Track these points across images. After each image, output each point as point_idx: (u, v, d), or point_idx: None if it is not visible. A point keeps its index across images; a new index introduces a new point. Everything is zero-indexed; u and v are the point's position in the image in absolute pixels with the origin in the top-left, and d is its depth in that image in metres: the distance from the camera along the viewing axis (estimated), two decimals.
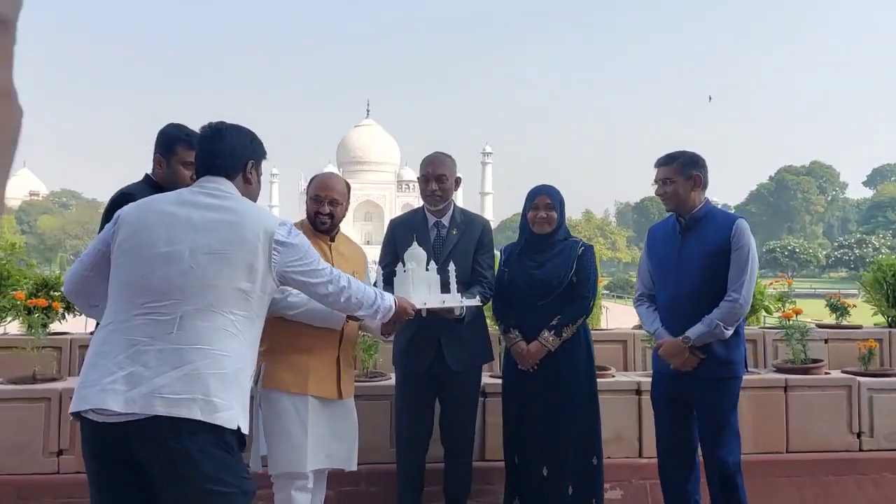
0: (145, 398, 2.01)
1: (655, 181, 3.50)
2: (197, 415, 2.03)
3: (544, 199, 3.63)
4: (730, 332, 3.32)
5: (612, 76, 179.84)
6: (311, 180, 3.39)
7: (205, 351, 2.09)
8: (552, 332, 3.50)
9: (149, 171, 3.20)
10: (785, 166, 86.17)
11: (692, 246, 3.39)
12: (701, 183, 3.42)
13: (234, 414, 2.10)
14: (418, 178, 3.78)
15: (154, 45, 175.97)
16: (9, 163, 0.84)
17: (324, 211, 3.23)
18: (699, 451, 3.50)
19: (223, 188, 2.32)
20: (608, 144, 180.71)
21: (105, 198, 2.46)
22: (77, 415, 2.11)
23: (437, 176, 3.66)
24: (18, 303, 4.57)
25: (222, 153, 2.37)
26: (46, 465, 3.81)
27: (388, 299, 2.69)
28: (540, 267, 3.62)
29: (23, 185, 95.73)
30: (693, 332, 3.29)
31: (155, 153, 3.16)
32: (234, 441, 2.14)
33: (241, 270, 2.19)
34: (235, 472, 2.15)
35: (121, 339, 2.10)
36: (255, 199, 2.49)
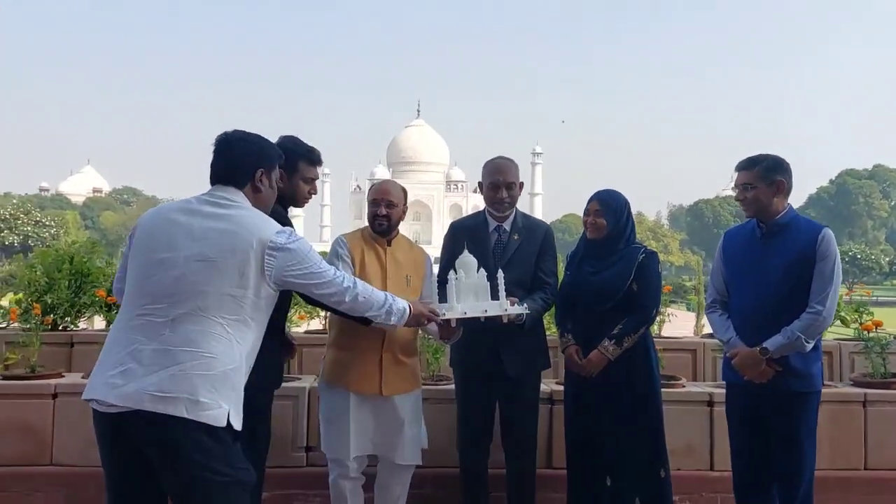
0: (137, 394, 2.19)
1: (735, 185, 3.40)
2: (182, 412, 2.18)
3: (594, 206, 3.60)
4: (810, 346, 3.21)
5: (667, 77, 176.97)
6: (371, 187, 3.62)
7: (193, 353, 2.23)
8: (612, 342, 3.45)
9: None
10: (846, 170, 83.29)
11: (774, 254, 3.27)
12: (784, 189, 3.29)
13: (221, 412, 2.24)
14: (484, 185, 3.75)
15: (211, 48, 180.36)
16: None
17: (381, 212, 3.46)
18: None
19: (230, 197, 2.44)
20: (661, 146, 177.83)
21: (164, 195, 2.60)
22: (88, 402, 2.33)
23: (507, 184, 3.66)
24: (98, 299, 4.73)
25: (229, 164, 2.49)
26: None
27: (401, 303, 2.75)
28: (597, 273, 3.57)
29: (86, 182, 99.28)
30: (772, 343, 3.18)
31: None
32: (227, 435, 2.27)
33: (232, 277, 2.30)
34: (228, 461, 2.28)
35: (124, 336, 2.30)
36: (268, 204, 2.58)
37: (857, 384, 4.49)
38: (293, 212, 3.49)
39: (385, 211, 3.45)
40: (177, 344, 2.23)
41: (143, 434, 2.24)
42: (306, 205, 3.41)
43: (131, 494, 2.37)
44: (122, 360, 2.25)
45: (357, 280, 2.63)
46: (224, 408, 2.25)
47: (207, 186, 2.53)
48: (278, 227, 2.42)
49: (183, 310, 2.26)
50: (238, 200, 2.44)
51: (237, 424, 2.30)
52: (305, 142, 3.30)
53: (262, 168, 2.52)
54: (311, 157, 3.26)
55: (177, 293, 2.28)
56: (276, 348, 3.21)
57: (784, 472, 3.28)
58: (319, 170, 3.35)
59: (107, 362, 2.30)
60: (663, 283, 5.62)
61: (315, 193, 3.34)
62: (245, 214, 2.41)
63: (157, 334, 2.25)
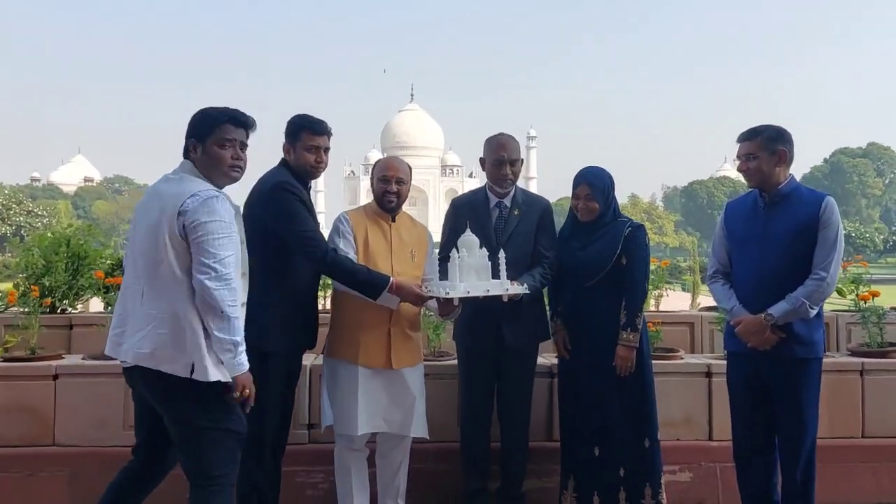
0: (127, 351, 2.63)
1: (738, 157, 3.41)
2: (150, 364, 2.57)
3: (584, 190, 3.63)
4: (814, 312, 3.26)
5: (661, 59, 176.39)
6: (376, 164, 3.63)
7: (152, 315, 2.58)
8: (629, 330, 3.52)
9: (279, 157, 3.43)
10: (840, 148, 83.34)
11: (777, 223, 3.30)
12: (786, 158, 3.32)
13: (178, 367, 2.54)
14: (488, 161, 3.76)
15: (202, 35, 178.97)
16: None
17: (391, 190, 3.46)
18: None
19: (179, 169, 2.72)
20: (655, 128, 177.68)
21: None
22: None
23: (511, 160, 3.70)
24: (95, 281, 4.72)
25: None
26: (127, 439, 3.91)
27: (236, 330, 2.60)
28: (584, 249, 3.63)
29: (78, 171, 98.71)
30: (776, 309, 3.22)
31: (284, 141, 3.38)
32: (202, 388, 2.55)
33: (163, 244, 2.55)
34: (209, 412, 2.60)
35: (121, 301, 2.73)
36: (215, 172, 2.68)
37: (854, 354, 4.53)
38: None
39: (395, 188, 3.47)
40: (145, 308, 2.59)
41: (139, 383, 2.69)
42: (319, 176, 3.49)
43: (149, 434, 2.80)
44: (120, 322, 2.70)
45: (234, 281, 2.57)
46: (181, 362, 2.54)
47: None
48: (197, 191, 2.56)
49: (145, 277, 2.60)
50: (183, 172, 2.69)
51: (200, 376, 2.54)
52: (312, 115, 3.39)
53: (194, 137, 2.70)
54: (313, 127, 3.33)
55: (138, 264, 2.64)
56: (305, 317, 3.35)
57: (787, 438, 3.32)
58: (327, 140, 3.38)
59: (114, 323, 2.74)
60: (659, 262, 5.69)
61: (322, 162, 3.39)
62: (172, 185, 2.65)
63: (135, 300, 2.63)
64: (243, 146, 2.74)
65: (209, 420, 2.62)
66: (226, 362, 2.58)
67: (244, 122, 2.74)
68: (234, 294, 2.57)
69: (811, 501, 3.36)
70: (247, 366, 2.64)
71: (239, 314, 2.61)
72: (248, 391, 2.65)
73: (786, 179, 3.34)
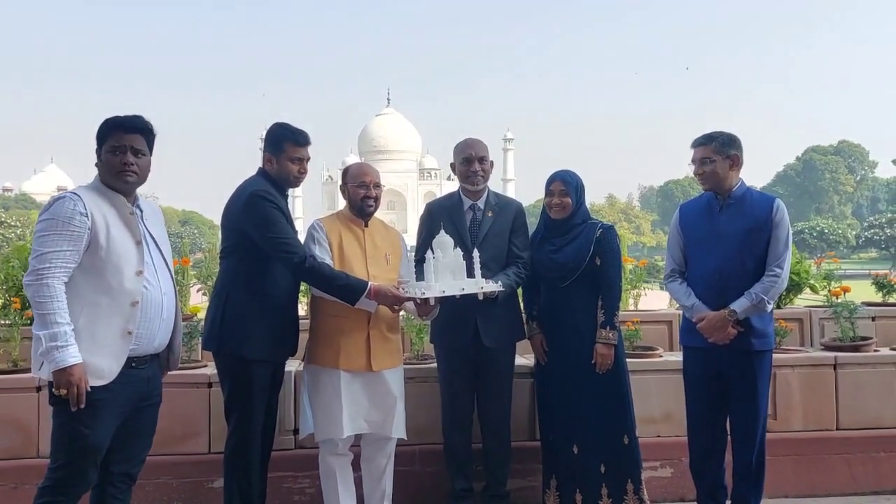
0: None
1: (693, 161, 3.58)
2: None
3: (558, 186, 3.72)
4: (771, 307, 3.47)
5: (635, 59, 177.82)
6: (346, 171, 3.65)
7: None
8: (608, 328, 3.60)
9: (259, 166, 3.45)
10: (812, 146, 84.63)
11: (732, 223, 3.48)
12: (738, 163, 3.52)
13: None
14: (457, 163, 3.86)
15: (175, 41, 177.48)
16: None
17: (371, 195, 3.52)
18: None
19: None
20: (631, 128, 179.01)
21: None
22: None
23: (479, 157, 3.80)
24: None
25: None
26: None
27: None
28: (558, 251, 3.71)
29: (51, 180, 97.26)
30: (738, 305, 3.40)
31: (265, 151, 3.40)
32: (49, 386, 2.64)
33: None
34: (56, 409, 2.66)
35: None
36: (104, 174, 2.79)
37: (827, 348, 4.63)
38: None
39: (374, 192, 3.52)
40: None
41: None
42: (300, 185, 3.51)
43: None
44: None
45: (51, 277, 2.54)
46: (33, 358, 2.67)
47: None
48: (51, 201, 2.67)
49: None
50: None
51: (34, 372, 2.70)
52: (292, 125, 3.42)
53: (99, 144, 2.80)
54: (297, 139, 3.36)
55: None
56: (286, 324, 3.40)
57: (743, 425, 3.50)
58: (308, 150, 3.43)
59: None
60: (637, 261, 5.77)
61: (305, 173, 3.44)
62: None
63: None
64: (136, 151, 2.78)
65: (56, 418, 2.65)
66: (45, 359, 2.56)
67: (140, 128, 2.82)
68: (45, 289, 2.53)
69: (762, 481, 3.55)
70: (64, 363, 2.51)
71: (54, 308, 2.52)
72: (64, 391, 2.53)
73: (738, 183, 3.53)
